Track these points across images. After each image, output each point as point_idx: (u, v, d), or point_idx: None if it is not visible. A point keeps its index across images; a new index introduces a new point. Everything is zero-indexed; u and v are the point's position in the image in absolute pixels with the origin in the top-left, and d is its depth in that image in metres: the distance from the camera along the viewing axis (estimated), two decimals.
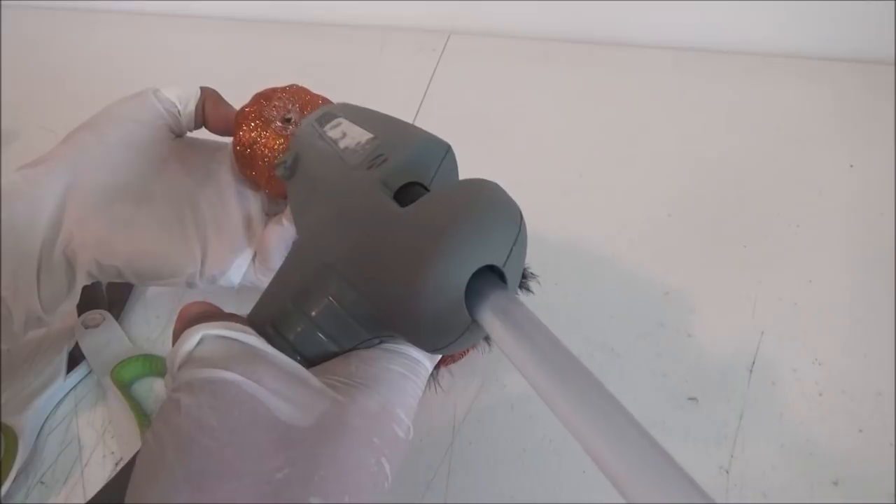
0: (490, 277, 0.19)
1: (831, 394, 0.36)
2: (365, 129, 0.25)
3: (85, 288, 0.33)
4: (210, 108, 0.35)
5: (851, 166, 0.50)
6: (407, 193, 0.21)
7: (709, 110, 0.58)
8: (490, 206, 0.20)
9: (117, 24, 0.82)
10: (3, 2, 0.87)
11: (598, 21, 0.67)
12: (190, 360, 0.20)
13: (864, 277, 0.42)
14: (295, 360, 0.21)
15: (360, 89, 0.66)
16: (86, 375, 0.41)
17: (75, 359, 0.41)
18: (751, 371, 0.37)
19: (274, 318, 0.22)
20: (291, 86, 0.36)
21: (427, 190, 0.23)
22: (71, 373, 0.40)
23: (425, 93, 0.64)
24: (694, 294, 0.42)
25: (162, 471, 0.17)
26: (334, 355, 0.22)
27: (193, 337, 0.20)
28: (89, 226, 0.31)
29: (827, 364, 0.37)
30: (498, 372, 0.39)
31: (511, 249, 0.20)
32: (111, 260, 0.31)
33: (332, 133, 0.26)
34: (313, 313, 0.21)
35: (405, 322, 0.20)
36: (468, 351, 0.39)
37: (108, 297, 0.44)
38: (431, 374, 0.38)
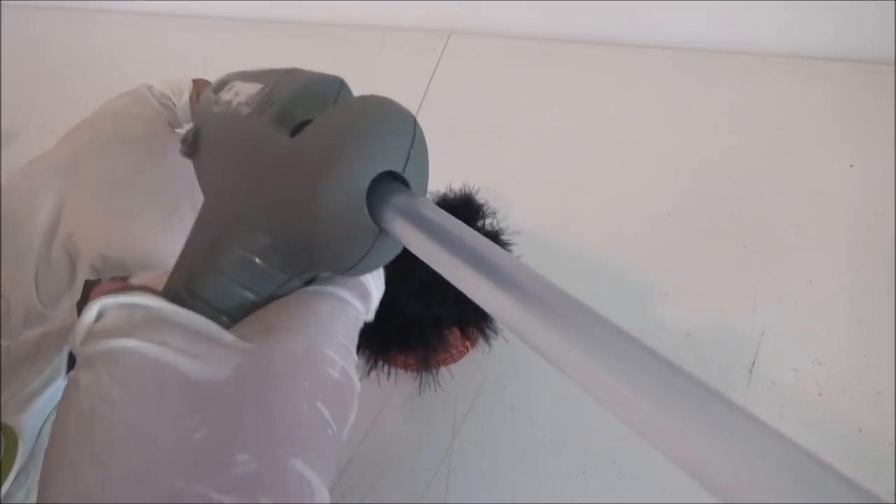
0: (391, 183, 0.19)
1: (831, 394, 0.36)
2: (255, 83, 0.24)
3: (86, 286, 0.33)
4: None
5: (851, 166, 0.50)
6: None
7: (709, 110, 0.58)
8: (379, 113, 0.20)
9: (117, 24, 0.82)
10: (3, 2, 0.87)
11: (599, 21, 0.68)
12: (90, 334, 0.19)
13: (864, 277, 0.42)
14: (219, 319, 0.20)
15: (360, 89, 0.66)
16: None
17: (75, 358, 0.40)
18: (751, 371, 0.37)
19: (186, 281, 0.21)
20: None
21: None
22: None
23: (425, 93, 0.64)
24: (694, 294, 0.42)
25: (65, 454, 0.16)
26: (257, 306, 0.21)
27: (92, 310, 0.19)
28: (89, 219, 0.31)
29: (827, 364, 0.37)
30: (498, 372, 0.39)
31: (408, 153, 0.20)
32: (114, 252, 0.31)
33: (226, 96, 0.25)
34: (225, 266, 0.21)
35: (312, 246, 0.20)
36: (468, 351, 0.39)
37: None
38: (432, 374, 0.38)
